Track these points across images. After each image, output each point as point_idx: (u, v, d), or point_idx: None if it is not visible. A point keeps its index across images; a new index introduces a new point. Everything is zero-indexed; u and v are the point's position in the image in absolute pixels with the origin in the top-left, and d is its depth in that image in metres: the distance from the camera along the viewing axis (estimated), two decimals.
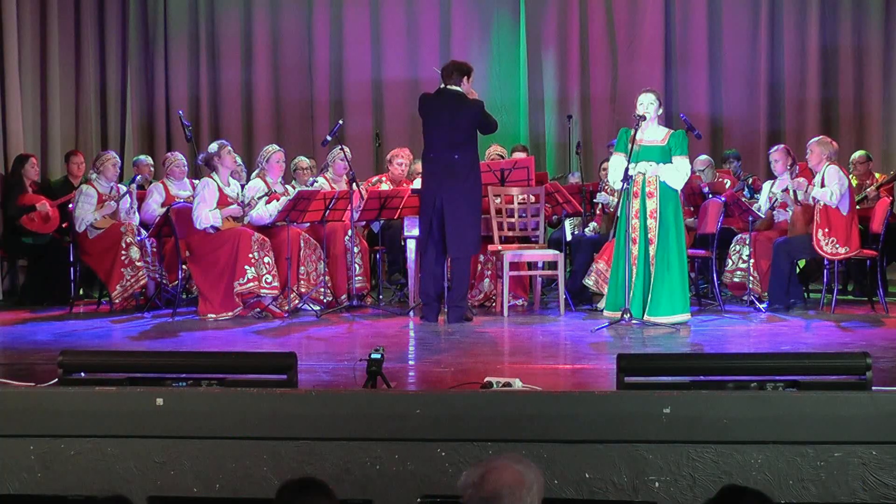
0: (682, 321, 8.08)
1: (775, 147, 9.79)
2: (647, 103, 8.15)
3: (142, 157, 11.07)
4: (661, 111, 8.32)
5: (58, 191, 10.21)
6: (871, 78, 11.91)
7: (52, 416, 5.38)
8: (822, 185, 8.90)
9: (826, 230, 8.84)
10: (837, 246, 8.83)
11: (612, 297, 8.27)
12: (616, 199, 9.05)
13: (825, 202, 8.83)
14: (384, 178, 10.33)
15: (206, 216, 8.87)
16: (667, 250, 8.07)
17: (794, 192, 9.22)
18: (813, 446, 5.08)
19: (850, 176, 10.29)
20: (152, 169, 10.74)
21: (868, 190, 10.04)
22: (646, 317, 8.04)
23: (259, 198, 9.15)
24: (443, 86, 8.52)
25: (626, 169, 7.99)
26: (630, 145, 8.08)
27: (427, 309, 8.51)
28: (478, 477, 3.18)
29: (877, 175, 10.34)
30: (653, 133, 8.19)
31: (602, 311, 8.71)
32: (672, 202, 8.14)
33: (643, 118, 8.14)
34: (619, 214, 8.26)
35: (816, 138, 9.29)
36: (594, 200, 9.82)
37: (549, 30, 12.39)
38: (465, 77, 8.49)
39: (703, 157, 10.79)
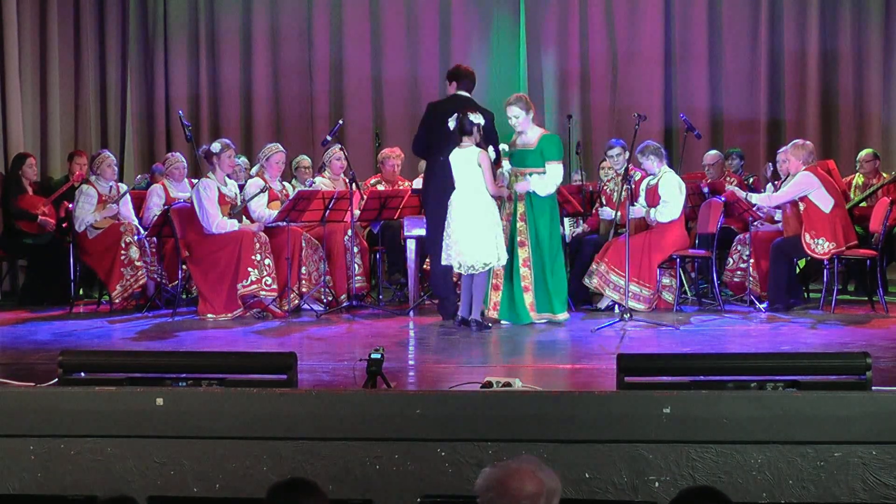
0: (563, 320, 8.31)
1: (784, 147, 9.76)
2: (512, 116, 8.29)
3: (160, 166, 10.85)
4: (531, 114, 8.35)
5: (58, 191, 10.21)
6: (871, 78, 11.88)
7: (52, 416, 5.38)
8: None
9: (812, 232, 8.82)
10: (826, 244, 8.80)
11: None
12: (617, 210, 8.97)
13: (766, 205, 9.09)
14: (380, 179, 10.32)
15: (223, 222, 8.80)
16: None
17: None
18: (813, 446, 5.08)
19: (857, 174, 10.31)
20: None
21: (869, 191, 10.00)
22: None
23: (256, 195, 9.11)
24: (452, 92, 8.57)
25: (626, 169, 8.00)
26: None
27: (442, 307, 8.50)
28: (498, 483, 3.11)
29: (884, 174, 10.30)
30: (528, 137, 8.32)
31: (602, 310, 8.72)
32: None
33: (644, 118, 8.15)
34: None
35: (790, 144, 9.23)
36: (602, 217, 9.68)
37: (549, 30, 12.38)
38: (472, 87, 8.60)
39: (713, 152, 10.77)
